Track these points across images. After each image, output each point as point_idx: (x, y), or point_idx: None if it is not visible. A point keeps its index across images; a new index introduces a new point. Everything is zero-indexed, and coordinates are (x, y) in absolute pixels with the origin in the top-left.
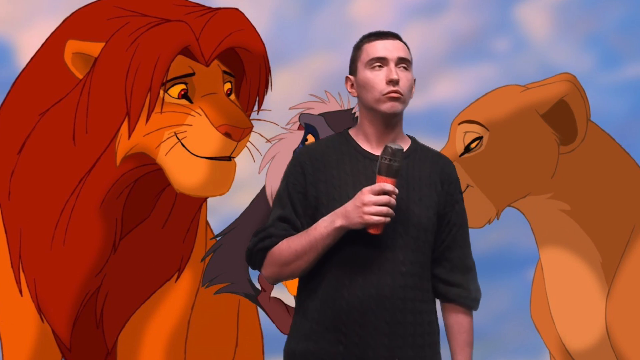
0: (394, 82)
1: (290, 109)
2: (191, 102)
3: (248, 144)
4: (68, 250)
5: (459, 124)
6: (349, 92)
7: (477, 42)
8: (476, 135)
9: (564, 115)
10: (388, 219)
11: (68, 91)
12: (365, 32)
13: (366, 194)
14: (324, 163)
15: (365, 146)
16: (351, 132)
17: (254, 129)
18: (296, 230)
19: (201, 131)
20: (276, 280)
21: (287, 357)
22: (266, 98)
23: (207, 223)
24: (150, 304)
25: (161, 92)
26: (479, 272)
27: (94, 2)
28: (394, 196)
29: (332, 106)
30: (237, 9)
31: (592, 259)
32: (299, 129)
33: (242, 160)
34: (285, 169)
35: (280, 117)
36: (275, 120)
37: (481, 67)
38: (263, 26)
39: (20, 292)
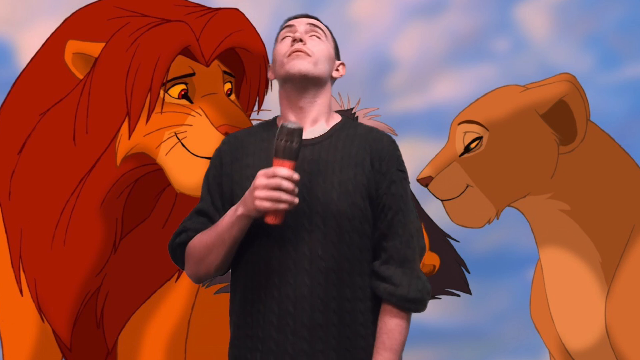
0: (297, 40)
1: None
2: (191, 102)
3: None
4: (68, 250)
5: (459, 124)
6: (269, 77)
7: (477, 42)
8: (476, 135)
9: (563, 116)
10: (281, 206)
11: (68, 91)
12: (366, 32)
13: (258, 178)
14: (242, 152)
15: None
16: (278, 118)
17: None
18: (214, 224)
19: (201, 131)
20: (197, 278)
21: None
22: (266, 98)
23: None
24: (150, 304)
25: (161, 92)
26: (479, 271)
27: (94, 2)
28: (292, 181)
29: (332, 106)
30: (237, 9)
31: (591, 258)
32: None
33: None
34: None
35: None
36: None
37: (481, 67)
38: (263, 26)
39: (21, 291)
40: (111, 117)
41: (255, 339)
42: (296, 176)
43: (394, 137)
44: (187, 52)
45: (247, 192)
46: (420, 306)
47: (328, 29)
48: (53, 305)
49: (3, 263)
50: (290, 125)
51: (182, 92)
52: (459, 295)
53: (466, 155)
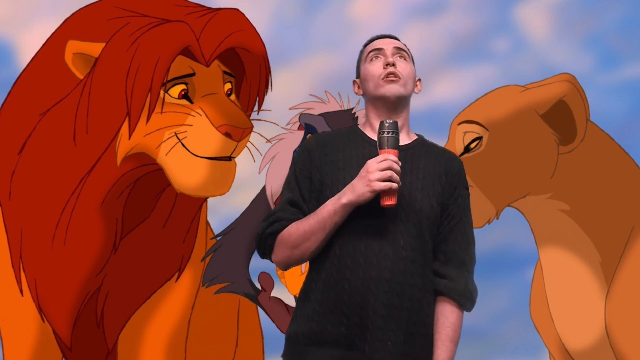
0: (390, 64)
1: (290, 109)
2: (191, 102)
3: (248, 144)
4: (69, 250)
5: (459, 124)
6: (355, 92)
7: (476, 42)
8: (476, 135)
9: (563, 116)
10: (395, 185)
11: (69, 91)
12: (366, 32)
13: (370, 164)
14: (331, 148)
15: (372, 135)
16: (359, 125)
17: (254, 129)
18: (304, 214)
19: (201, 131)
20: (287, 264)
21: (289, 339)
22: (266, 98)
23: (207, 223)
24: (150, 304)
25: (161, 92)
26: (479, 271)
27: (94, 2)
28: (397, 166)
29: (332, 106)
30: (237, 10)
31: (591, 258)
32: (299, 129)
33: (242, 161)
34: (296, 155)
35: (280, 117)
36: (275, 120)
37: (481, 67)
38: (263, 26)
39: (21, 291)
40: (111, 117)
41: (340, 314)
42: (399, 164)
43: None
44: (187, 52)
45: (355, 180)
46: (471, 305)
47: (407, 47)
48: (53, 305)
49: (3, 263)
50: (389, 120)
51: (182, 92)
52: None
53: (466, 155)
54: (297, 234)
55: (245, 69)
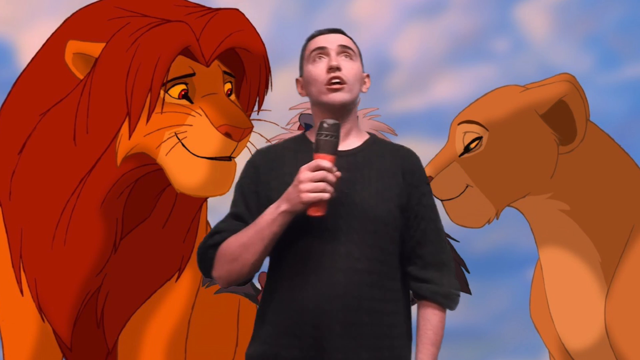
0: (333, 69)
1: (290, 109)
2: (191, 102)
3: (248, 144)
4: (69, 250)
5: (459, 124)
6: (299, 93)
7: (476, 42)
8: (476, 136)
9: (563, 116)
10: (326, 196)
11: (69, 91)
12: (366, 32)
13: (302, 172)
14: (277, 162)
15: None
16: (307, 133)
17: (254, 129)
18: None
19: (201, 131)
20: (227, 280)
21: (247, 357)
22: (266, 98)
23: (207, 223)
24: (150, 304)
25: (162, 92)
26: (479, 271)
27: (94, 2)
28: (333, 173)
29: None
30: (237, 10)
31: (591, 258)
32: (299, 129)
33: (243, 161)
34: (241, 171)
35: (280, 117)
36: (275, 120)
37: (481, 67)
38: (263, 26)
39: (21, 291)
40: (111, 117)
41: (292, 337)
42: (337, 173)
43: (393, 137)
44: (187, 52)
45: (290, 188)
46: (455, 304)
47: (352, 40)
48: (53, 304)
49: (3, 263)
50: (329, 121)
51: (182, 92)
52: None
53: (466, 155)
54: (236, 245)
55: (245, 69)
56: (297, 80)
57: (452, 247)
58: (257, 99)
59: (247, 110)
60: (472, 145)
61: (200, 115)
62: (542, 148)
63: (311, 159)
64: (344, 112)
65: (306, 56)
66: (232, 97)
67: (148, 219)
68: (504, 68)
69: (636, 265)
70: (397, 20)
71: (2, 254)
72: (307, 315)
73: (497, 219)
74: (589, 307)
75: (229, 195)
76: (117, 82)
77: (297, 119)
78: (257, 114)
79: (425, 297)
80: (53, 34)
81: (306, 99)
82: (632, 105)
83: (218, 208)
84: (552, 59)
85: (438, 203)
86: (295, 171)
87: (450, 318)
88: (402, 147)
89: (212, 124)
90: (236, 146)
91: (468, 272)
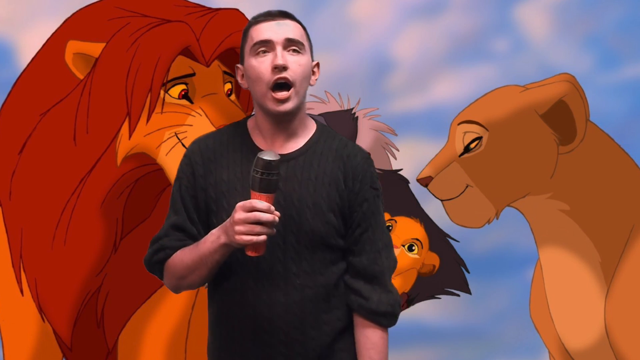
0: (279, 69)
1: None
2: (192, 102)
3: None
4: (69, 250)
5: (459, 124)
6: (240, 84)
7: (476, 42)
8: (476, 136)
9: (563, 116)
10: (261, 239)
11: (69, 91)
12: (365, 32)
13: (237, 211)
14: (215, 164)
15: (260, 142)
16: (249, 123)
17: None
18: (192, 238)
19: (202, 131)
20: (177, 291)
21: None
22: None
23: None
24: (150, 304)
25: (162, 92)
26: (479, 271)
27: (94, 2)
28: (271, 213)
29: (332, 106)
30: (237, 10)
31: (591, 258)
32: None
33: None
34: (179, 166)
35: None
36: None
37: (481, 68)
38: None
39: (21, 291)
40: (111, 117)
41: (233, 354)
42: (276, 213)
43: (393, 137)
44: (187, 52)
45: (227, 223)
46: (391, 320)
47: (301, 25)
48: (53, 304)
49: (3, 263)
50: (267, 157)
51: (183, 92)
52: (458, 295)
53: (466, 155)
54: (181, 266)
55: None
56: (237, 67)
57: (451, 247)
58: None
59: (247, 110)
60: (472, 145)
61: (201, 115)
62: (542, 148)
63: (248, 162)
64: (288, 118)
65: (248, 46)
66: (232, 97)
67: (148, 219)
68: (504, 68)
69: (636, 265)
70: (397, 20)
71: (2, 254)
72: (247, 334)
73: (497, 219)
74: (588, 307)
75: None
76: (117, 82)
77: None
78: None
79: (354, 309)
80: (53, 34)
81: (305, 98)
82: (632, 105)
83: None
84: (552, 59)
85: (438, 203)
86: (232, 178)
87: (450, 318)
88: (347, 145)
89: (212, 124)
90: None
91: (468, 272)
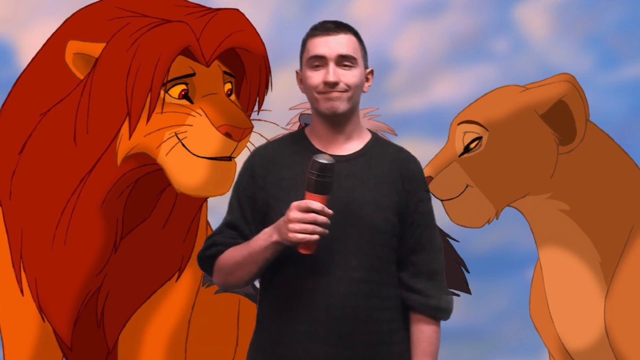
0: (330, 85)
1: (290, 109)
2: (192, 102)
3: (248, 144)
4: (69, 249)
5: (459, 124)
6: (299, 87)
7: (476, 42)
8: (475, 136)
9: (563, 116)
10: (315, 237)
11: (69, 91)
12: (365, 32)
13: (292, 210)
14: (275, 165)
15: (318, 145)
16: (307, 130)
17: (254, 129)
18: (244, 237)
19: (202, 131)
20: (224, 288)
21: None
22: (266, 98)
23: (207, 223)
24: (151, 304)
25: (162, 92)
26: (479, 271)
27: (94, 2)
28: (325, 214)
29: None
30: (237, 10)
31: (591, 258)
32: (299, 129)
33: (243, 161)
34: (239, 171)
35: (280, 117)
36: (275, 120)
37: (480, 68)
38: (263, 27)
39: (22, 291)
40: (112, 117)
41: (284, 347)
42: (329, 211)
43: (393, 137)
44: (187, 53)
45: (281, 221)
46: (448, 316)
47: (357, 36)
48: (54, 304)
49: (4, 263)
50: (322, 161)
51: (183, 92)
52: (458, 295)
53: (466, 155)
54: (232, 262)
55: (246, 69)
56: (297, 72)
57: (452, 247)
58: (257, 99)
59: (247, 110)
60: (472, 145)
61: (201, 115)
62: (542, 148)
63: (308, 163)
64: (341, 119)
65: (305, 57)
66: (232, 97)
67: (148, 219)
68: (504, 68)
69: (636, 265)
70: (397, 20)
71: (2, 254)
72: (301, 325)
73: (497, 219)
74: (588, 307)
75: (229, 196)
76: (118, 82)
77: (297, 119)
78: (257, 114)
79: (414, 308)
80: (53, 34)
81: (305, 98)
82: (632, 105)
83: (218, 208)
84: (552, 59)
85: (438, 203)
86: (293, 176)
87: (450, 318)
88: (402, 150)
89: (212, 124)
90: (236, 146)
91: (468, 272)
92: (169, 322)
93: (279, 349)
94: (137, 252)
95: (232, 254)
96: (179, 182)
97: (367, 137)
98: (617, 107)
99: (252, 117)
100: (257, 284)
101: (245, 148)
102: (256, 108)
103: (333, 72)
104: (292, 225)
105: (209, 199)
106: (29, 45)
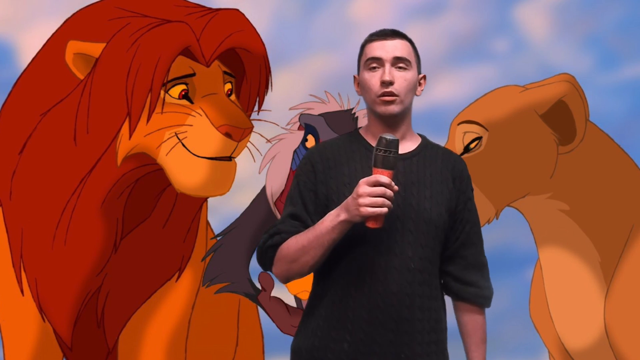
0: (386, 84)
1: (290, 109)
2: (192, 102)
3: (248, 144)
4: (69, 249)
5: (459, 124)
6: (356, 91)
7: (476, 42)
8: (475, 136)
9: (562, 116)
10: (384, 210)
11: (69, 91)
12: (366, 32)
13: (361, 186)
14: (334, 161)
15: (374, 143)
16: (361, 131)
17: (254, 129)
18: (307, 227)
19: (202, 131)
20: (287, 277)
21: (293, 353)
22: (266, 98)
23: (207, 223)
24: (151, 304)
25: (162, 92)
26: None
27: (95, 2)
28: (392, 189)
29: (332, 106)
30: (237, 10)
31: (591, 258)
32: (299, 129)
33: (243, 161)
34: (297, 168)
35: (280, 117)
36: (275, 120)
37: (480, 68)
38: (263, 27)
39: (22, 291)
40: (112, 117)
41: (343, 331)
42: (395, 187)
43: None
44: (187, 53)
45: (349, 199)
46: (490, 303)
47: (411, 43)
48: (54, 304)
49: (4, 263)
50: (388, 137)
51: (183, 92)
52: None
53: (466, 155)
54: (296, 248)
55: (246, 69)
56: (354, 77)
57: None
58: (257, 99)
59: (247, 110)
60: (472, 145)
61: (201, 115)
62: (542, 148)
63: (366, 160)
64: (396, 120)
65: (363, 61)
66: (232, 97)
67: (148, 219)
68: (503, 68)
69: (636, 265)
70: (397, 21)
71: (2, 254)
72: (360, 310)
73: (497, 219)
74: (588, 306)
75: (230, 196)
76: (118, 83)
77: (297, 119)
78: (257, 114)
79: (469, 299)
80: (53, 34)
81: (305, 98)
82: (631, 105)
83: (218, 208)
84: (551, 59)
85: None
86: (353, 172)
87: (450, 318)
88: (451, 152)
89: (212, 124)
90: (236, 146)
91: None
92: (169, 322)
93: (335, 333)
94: (137, 252)
95: (297, 240)
96: (179, 182)
97: (418, 139)
98: (616, 107)
99: (252, 117)
100: (257, 284)
101: (245, 148)
102: (256, 108)
103: (389, 72)
104: (362, 200)
105: (209, 199)
106: (29, 45)
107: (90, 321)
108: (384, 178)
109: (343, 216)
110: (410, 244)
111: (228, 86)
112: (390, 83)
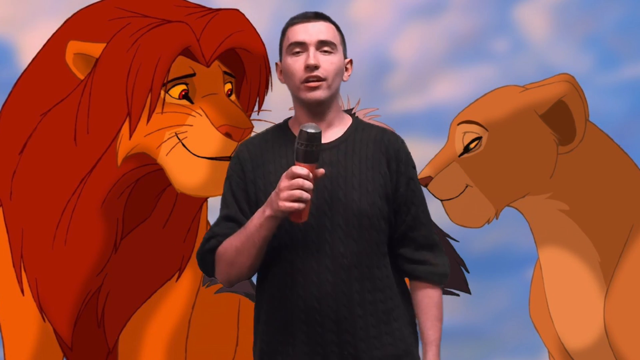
0: (311, 68)
1: (290, 109)
2: (192, 102)
3: None
4: (69, 249)
5: (458, 124)
6: (279, 79)
7: (476, 42)
8: (475, 136)
9: (562, 116)
10: (303, 205)
11: (69, 92)
12: (365, 32)
13: (282, 181)
14: (262, 159)
15: None
16: (290, 121)
17: (254, 129)
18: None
19: (202, 131)
20: (228, 281)
21: (253, 356)
22: (266, 98)
23: (207, 223)
24: (151, 304)
25: (162, 92)
26: (478, 271)
27: (95, 3)
28: (309, 179)
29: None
30: (237, 10)
31: (590, 258)
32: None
33: None
34: (228, 167)
35: (280, 117)
36: (275, 120)
37: (480, 68)
38: (263, 27)
39: (22, 291)
40: (112, 117)
41: (285, 334)
42: (320, 171)
43: None
44: (187, 53)
45: (272, 194)
46: (447, 280)
47: (336, 26)
48: (54, 304)
49: (4, 263)
50: (309, 130)
51: (183, 93)
52: (458, 295)
53: (465, 155)
54: (230, 250)
55: (246, 70)
56: (276, 64)
57: (451, 246)
58: (257, 99)
59: (247, 110)
60: (472, 146)
61: (201, 115)
62: (542, 148)
63: (291, 154)
64: (322, 107)
65: (285, 45)
66: (233, 97)
67: (148, 219)
68: (503, 68)
69: (635, 265)
70: (397, 21)
71: (2, 254)
72: (299, 313)
73: (497, 219)
74: (588, 306)
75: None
76: (118, 83)
77: None
78: (257, 114)
79: (421, 277)
80: (54, 34)
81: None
82: (631, 105)
83: (218, 208)
84: (551, 59)
85: (438, 203)
86: (279, 169)
87: (450, 318)
88: (385, 131)
89: (212, 124)
90: (236, 146)
91: (468, 272)
92: (169, 322)
93: (280, 337)
94: (138, 252)
95: (231, 242)
96: (179, 182)
97: (348, 123)
98: (616, 107)
99: (252, 117)
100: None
101: None
102: (256, 108)
103: (313, 56)
104: (282, 194)
105: (209, 199)
106: (29, 45)
107: (91, 321)
108: (301, 169)
109: (268, 212)
110: (342, 239)
111: (228, 86)
112: (316, 67)
